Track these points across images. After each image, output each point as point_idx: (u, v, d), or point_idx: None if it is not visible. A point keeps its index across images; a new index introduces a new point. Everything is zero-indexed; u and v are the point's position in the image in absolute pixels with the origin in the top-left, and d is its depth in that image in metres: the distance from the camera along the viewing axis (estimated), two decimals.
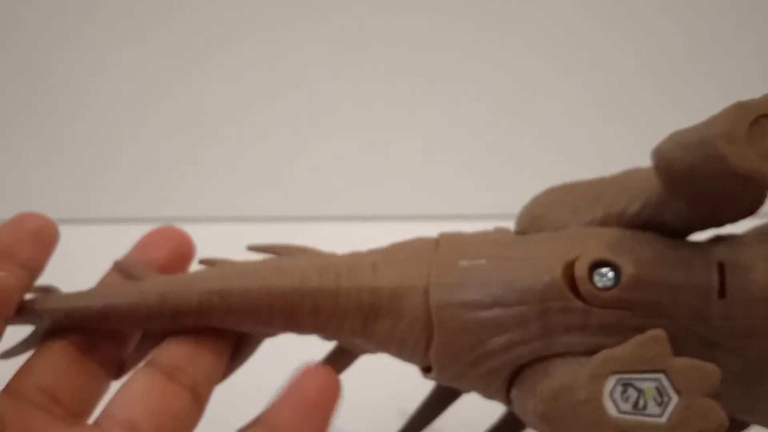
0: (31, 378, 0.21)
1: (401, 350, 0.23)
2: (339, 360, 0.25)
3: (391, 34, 0.51)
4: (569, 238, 0.22)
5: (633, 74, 0.52)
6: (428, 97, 0.52)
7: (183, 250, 0.25)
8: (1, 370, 0.22)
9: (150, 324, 0.23)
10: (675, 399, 0.16)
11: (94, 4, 0.51)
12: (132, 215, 0.49)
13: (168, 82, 0.52)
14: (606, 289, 0.20)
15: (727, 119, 0.17)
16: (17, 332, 0.23)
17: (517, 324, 0.21)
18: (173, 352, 0.22)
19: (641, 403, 0.15)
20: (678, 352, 0.17)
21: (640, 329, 0.20)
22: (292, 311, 0.22)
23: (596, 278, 0.21)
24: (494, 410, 0.27)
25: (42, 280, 0.23)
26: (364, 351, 0.24)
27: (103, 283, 0.24)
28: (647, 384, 0.15)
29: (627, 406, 0.15)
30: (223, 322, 0.23)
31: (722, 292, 0.20)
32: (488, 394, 0.23)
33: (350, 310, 0.22)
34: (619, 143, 0.49)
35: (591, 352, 0.21)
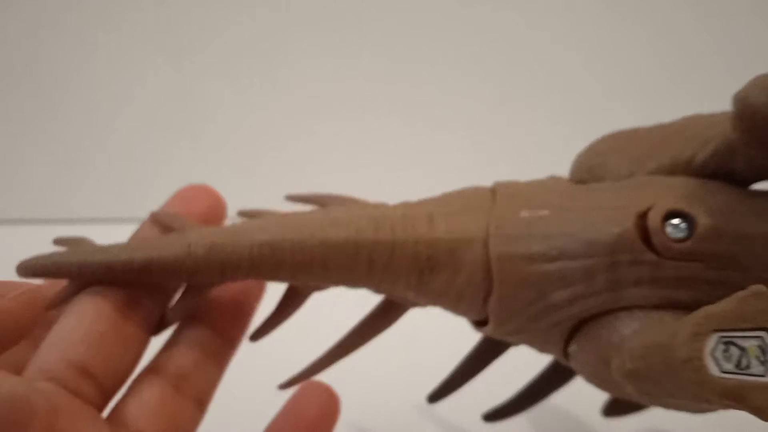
0: (59, 351, 0.20)
1: (457, 304, 0.22)
2: (387, 314, 0.24)
3: (387, 25, 0.52)
4: (637, 187, 0.21)
5: (633, 65, 0.52)
6: (425, 89, 0.52)
7: (218, 210, 0.24)
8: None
9: (197, 277, 0.22)
10: None
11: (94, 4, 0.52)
12: (130, 215, 0.49)
13: (166, 82, 0.52)
14: (679, 240, 0.20)
15: None
16: None
17: (582, 277, 0.20)
18: (181, 360, 0.22)
19: (744, 362, 0.14)
20: None
21: (712, 282, 0.20)
22: (348, 264, 0.21)
23: (669, 229, 0.20)
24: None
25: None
26: (415, 304, 0.23)
27: (139, 236, 0.23)
28: (750, 342, 0.15)
29: (729, 366, 0.14)
30: (275, 275, 0.22)
31: None
32: (545, 348, 0.23)
33: (406, 262, 0.21)
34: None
35: (660, 305, 0.20)
